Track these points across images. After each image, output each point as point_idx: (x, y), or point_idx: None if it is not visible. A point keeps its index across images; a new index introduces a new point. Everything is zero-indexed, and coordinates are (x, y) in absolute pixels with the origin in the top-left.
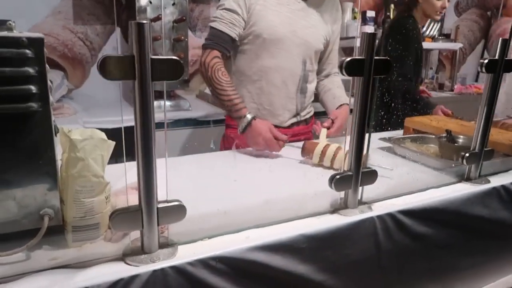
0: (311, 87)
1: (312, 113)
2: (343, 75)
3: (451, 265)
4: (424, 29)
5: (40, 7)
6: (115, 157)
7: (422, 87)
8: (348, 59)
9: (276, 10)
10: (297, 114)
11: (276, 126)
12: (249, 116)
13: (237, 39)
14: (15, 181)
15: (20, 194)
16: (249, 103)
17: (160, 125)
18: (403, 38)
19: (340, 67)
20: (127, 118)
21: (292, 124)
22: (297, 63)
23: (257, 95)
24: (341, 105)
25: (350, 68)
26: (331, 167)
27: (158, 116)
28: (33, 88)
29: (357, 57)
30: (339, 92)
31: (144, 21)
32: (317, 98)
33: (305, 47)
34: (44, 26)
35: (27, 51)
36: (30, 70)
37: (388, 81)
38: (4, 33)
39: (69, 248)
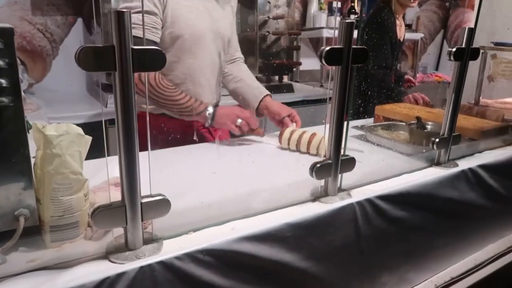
0: (221, 79)
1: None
2: (322, 64)
3: (425, 245)
4: None
5: None
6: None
7: (407, 76)
8: (327, 48)
9: (190, 6)
10: (216, 105)
11: None
12: (210, 108)
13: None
14: None
15: None
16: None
17: None
18: (377, 28)
19: (320, 56)
20: (93, 113)
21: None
22: (215, 57)
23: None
24: (264, 96)
25: (329, 57)
26: (297, 150)
27: None
28: (3, 82)
29: (335, 46)
30: (255, 82)
31: (125, 10)
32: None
33: (220, 40)
34: None
35: None
36: (0, 62)
37: (364, 70)
38: None
39: (48, 248)
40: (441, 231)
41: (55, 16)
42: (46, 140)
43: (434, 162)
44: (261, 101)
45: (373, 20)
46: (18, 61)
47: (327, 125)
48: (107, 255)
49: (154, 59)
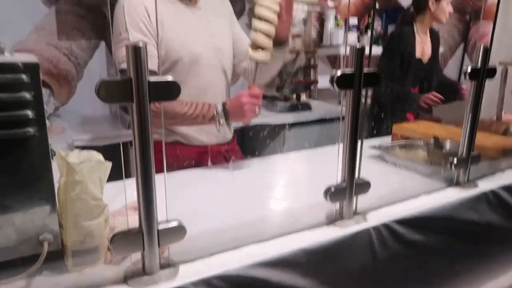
0: None
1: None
2: (334, 89)
3: (446, 270)
4: None
5: (23, 24)
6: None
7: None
8: (338, 73)
9: (182, 29)
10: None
11: (220, 145)
12: (219, 106)
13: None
14: (13, 207)
15: (19, 220)
16: (183, 126)
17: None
18: (395, 47)
19: (331, 81)
20: (116, 135)
21: (232, 139)
22: (218, 74)
23: None
24: None
25: (341, 82)
26: None
27: None
28: (29, 113)
29: (346, 72)
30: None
31: (140, 44)
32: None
33: (221, 55)
34: (28, 43)
35: (23, 76)
36: (27, 95)
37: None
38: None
39: (70, 273)
40: (462, 255)
41: (80, 41)
42: (68, 168)
43: (453, 183)
44: None
45: (392, 38)
46: (45, 86)
47: (341, 146)
48: (125, 279)
49: (169, 90)
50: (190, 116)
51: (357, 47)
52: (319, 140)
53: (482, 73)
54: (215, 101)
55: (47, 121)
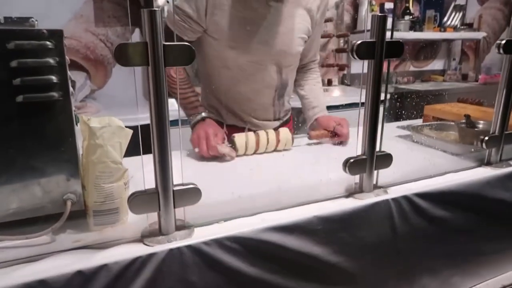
0: (289, 89)
1: (290, 111)
2: (354, 58)
3: (472, 249)
4: (446, 18)
5: (62, 12)
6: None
7: None
8: (359, 42)
9: (242, 22)
10: (278, 119)
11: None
12: (203, 114)
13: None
14: (39, 168)
15: (45, 180)
16: (221, 109)
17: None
18: None
19: (351, 50)
20: (147, 116)
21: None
22: (271, 74)
23: (233, 101)
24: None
25: (361, 51)
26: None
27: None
28: (53, 78)
29: (367, 40)
30: (314, 100)
31: (156, 8)
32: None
33: (281, 56)
34: (67, 30)
35: (48, 42)
36: (51, 60)
37: None
38: (26, 27)
39: (91, 231)
40: (491, 235)
41: (116, 27)
42: (90, 132)
43: (484, 162)
44: (314, 121)
45: None
46: (82, 70)
47: (361, 119)
48: (142, 238)
49: (184, 54)
50: (175, 97)
51: (379, 15)
52: (350, 123)
53: None
54: (259, 96)
55: (70, 88)
